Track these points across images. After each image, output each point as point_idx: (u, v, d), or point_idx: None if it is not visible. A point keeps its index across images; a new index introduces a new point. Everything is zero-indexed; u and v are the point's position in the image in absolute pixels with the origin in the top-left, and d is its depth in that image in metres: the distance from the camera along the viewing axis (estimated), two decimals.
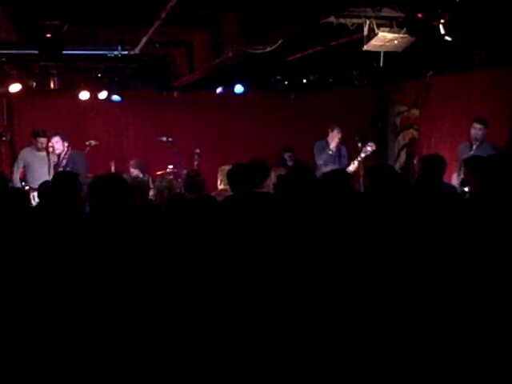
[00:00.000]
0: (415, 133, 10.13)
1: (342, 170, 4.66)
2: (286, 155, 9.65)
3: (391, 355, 2.65)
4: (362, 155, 7.73)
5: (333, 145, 8.36)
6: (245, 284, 2.77)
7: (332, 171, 5.02)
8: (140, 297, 2.82)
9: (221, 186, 5.77)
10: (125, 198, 3.55)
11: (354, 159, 7.92)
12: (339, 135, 8.37)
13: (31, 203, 6.09)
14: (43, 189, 5.47)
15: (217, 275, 2.78)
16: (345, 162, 8.41)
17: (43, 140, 8.05)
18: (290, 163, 9.58)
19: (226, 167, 5.81)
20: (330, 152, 8.28)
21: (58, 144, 7.93)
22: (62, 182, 4.57)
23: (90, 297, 2.90)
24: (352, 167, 7.66)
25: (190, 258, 2.89)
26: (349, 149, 8.60)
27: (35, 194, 7.41)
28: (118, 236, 3.31)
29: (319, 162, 8.22)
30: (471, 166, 5.30)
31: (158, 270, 2.90)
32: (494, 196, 3.59)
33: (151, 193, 6.08)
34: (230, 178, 4.79)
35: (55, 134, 7.96)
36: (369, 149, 7.76)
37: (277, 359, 2.59)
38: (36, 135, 8.03)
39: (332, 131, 8.42)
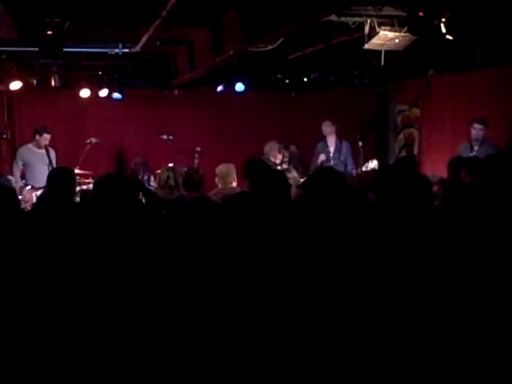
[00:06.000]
0: (416, 132, 10.13)
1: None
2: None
3: (391, 355, 2.65)
4: (363, 169, 7.79)
5: (330, 141, 8.45)
6: (248, 282, 2.77)
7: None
8: (141, 295, 2.82)
9: (219, 185, 5.76)
10: (128, 197, 3.56)
11: (355, 168, 8.00)
12: (327, 129, 8.49)
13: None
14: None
15: (219, 273, 2.78)
16: (348, 158, 8.46)
17: (48, 136, 8.10)
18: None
19: (222, 167, 5.82)
20: (330, 151, 8.38)
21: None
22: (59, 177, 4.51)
23: (90, 294, 2.90)
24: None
25: (191, 256, 2.89)
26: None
27: (38, 193, 7.39)
28: (120, 234, 3.31)
29: (316, 163, 8.33)
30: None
31: (158, 269, 2.90)
32: (495, 196, 3.59)
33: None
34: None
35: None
36: (371, 165, 7.81)
37: (277, 359, 2.59)
38: (42, 132, 8.05)
39: (323, 129, 8.57)
